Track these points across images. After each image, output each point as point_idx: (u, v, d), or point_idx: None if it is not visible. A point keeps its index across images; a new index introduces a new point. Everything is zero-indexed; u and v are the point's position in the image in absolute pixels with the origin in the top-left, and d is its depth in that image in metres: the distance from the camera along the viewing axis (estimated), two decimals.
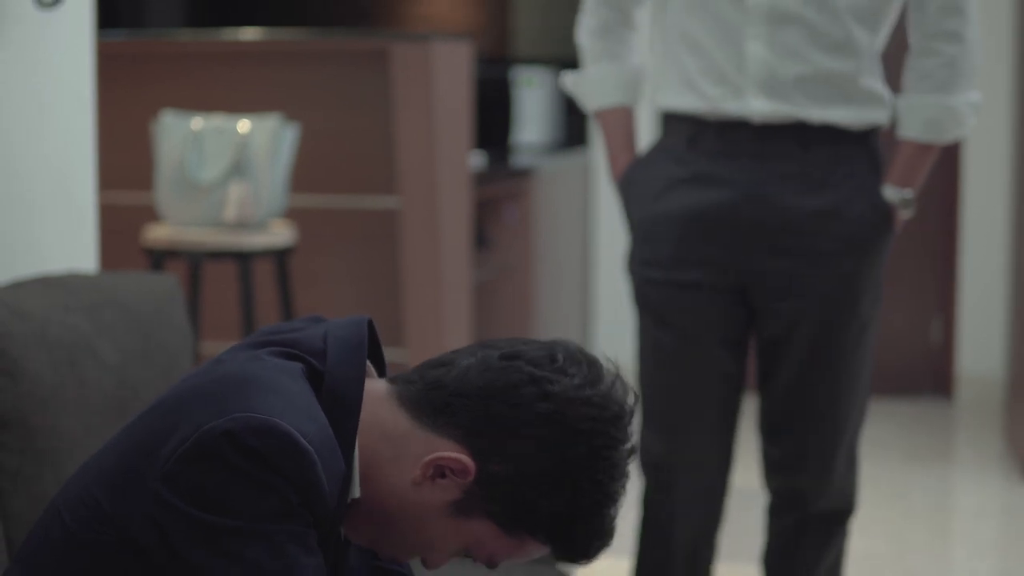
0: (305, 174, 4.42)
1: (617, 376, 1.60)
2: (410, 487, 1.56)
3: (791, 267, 2.67)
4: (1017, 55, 5.70)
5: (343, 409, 1.55)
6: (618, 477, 1.57)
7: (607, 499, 1.56)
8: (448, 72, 4.43)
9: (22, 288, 2.14)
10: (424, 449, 1.56)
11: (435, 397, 1.56)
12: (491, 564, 1.61)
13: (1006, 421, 5.52)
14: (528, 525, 1.56)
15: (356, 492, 1.58)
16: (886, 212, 2.69)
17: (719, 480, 2.81)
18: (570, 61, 4.92)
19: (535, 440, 1.53)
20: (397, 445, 1.57)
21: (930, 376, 6.25)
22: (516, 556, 1.60)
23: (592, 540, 1.58)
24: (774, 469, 2.80)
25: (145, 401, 2.19)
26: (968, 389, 6.10)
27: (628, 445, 1.58)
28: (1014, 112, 5.76)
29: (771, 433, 2.78)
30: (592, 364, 1.58)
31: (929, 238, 6.16)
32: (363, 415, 1.56)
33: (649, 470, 2.81)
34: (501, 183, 5.48)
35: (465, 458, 1.54)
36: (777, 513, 2.83)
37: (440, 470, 1.55)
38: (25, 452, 1.97)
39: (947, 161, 6.09)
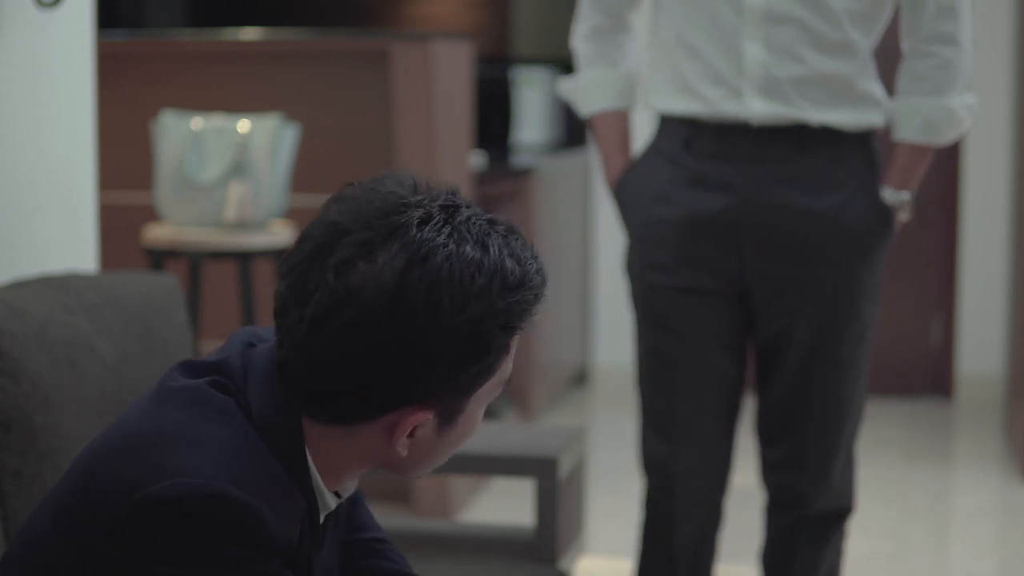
0: (305, 174, 4.42)
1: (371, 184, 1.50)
2: (399, 456, 1.52)
3: (792, 270, 2.66)
4: (1017, 55, 5.70)
5: (284, 439, 1.50)
6: (488, 239, 1.46)
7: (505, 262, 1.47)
8: (448, 72, 4.43)
9: (22, 288, 2.14)
10: (374, 438, 1.51)
11: (334, 405, 1.48)
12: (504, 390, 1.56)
13: (1006, 421, 5.52)
14: (493, 358, 1.49)
15: (331, 506, 1.57)
16: (885, 214, 2.69)
17: (719, 482, 2.81)
18: (570, 61, 4.92)
19: (433, 335, 1.44)
20: (355, 450, 1.53)
21: (930, 375, 6.25)
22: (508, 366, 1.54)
23: (533, 279, 1.48)
24: (772, 469, 2.80)
25: None
26: (968, 389, 6.10)
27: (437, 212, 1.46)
28: (1014, 112, 5.76)
29: (770, 434, 2.78)
30: (382, 234, 1.44)
31: (929, 238, 6.16)
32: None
33: (650, 472, 2.81)
34: (501, 183, 5.48)
35: (412, 416, 1.48)
36: (775, 513, 2.83)
37: (409, 432, 1.51)
38: (26, 453, 1.97)
39: (947, 161, 6.09)
